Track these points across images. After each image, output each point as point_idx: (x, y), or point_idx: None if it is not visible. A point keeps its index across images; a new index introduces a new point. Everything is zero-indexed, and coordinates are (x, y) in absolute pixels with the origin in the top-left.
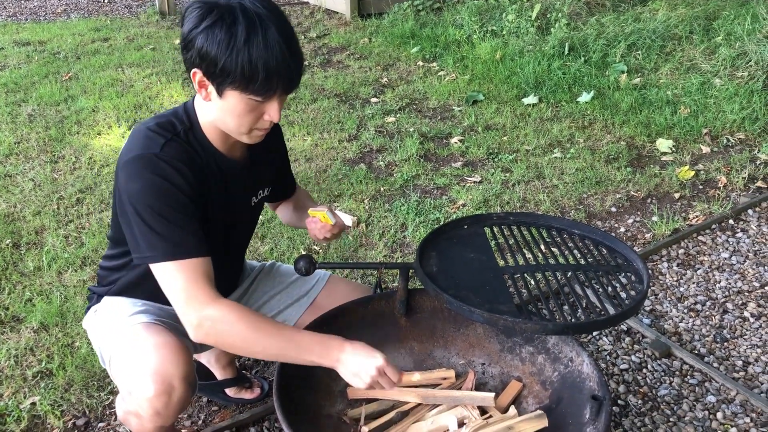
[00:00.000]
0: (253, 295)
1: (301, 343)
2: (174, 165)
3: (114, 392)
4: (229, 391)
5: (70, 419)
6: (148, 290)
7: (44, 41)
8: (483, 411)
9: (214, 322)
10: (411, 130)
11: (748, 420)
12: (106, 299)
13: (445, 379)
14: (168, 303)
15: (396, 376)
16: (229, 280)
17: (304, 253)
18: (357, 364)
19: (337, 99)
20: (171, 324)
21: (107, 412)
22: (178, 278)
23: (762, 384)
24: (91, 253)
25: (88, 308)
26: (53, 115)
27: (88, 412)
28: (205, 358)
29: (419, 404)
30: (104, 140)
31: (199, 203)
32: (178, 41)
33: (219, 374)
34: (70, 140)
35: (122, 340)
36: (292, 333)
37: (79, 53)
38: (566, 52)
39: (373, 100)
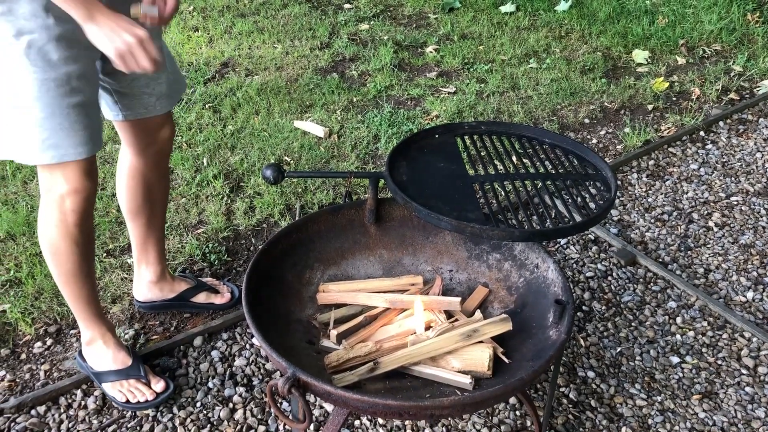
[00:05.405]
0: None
1: None
2: None
3: None
4: (199, 299)
5: (42, 326)
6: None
7: None
8: (449, 315)
9: None
10: (385, 38)
11: (705, 324)
12: None
13: (413, 285)
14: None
15: (155, 53)
16: None
17: (273, 162)
18: (116, 28)
19: (309, 5)
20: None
21: None
22: None
23: (721, 290)
24: None
25: None
26: None
27: (59, 320)
28: (152, 293)
29: (387, 308)
30: None
31: None
32: None
33: (173, 294)
34: None
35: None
36: None
37: None
38: None
39: (346, 6)
